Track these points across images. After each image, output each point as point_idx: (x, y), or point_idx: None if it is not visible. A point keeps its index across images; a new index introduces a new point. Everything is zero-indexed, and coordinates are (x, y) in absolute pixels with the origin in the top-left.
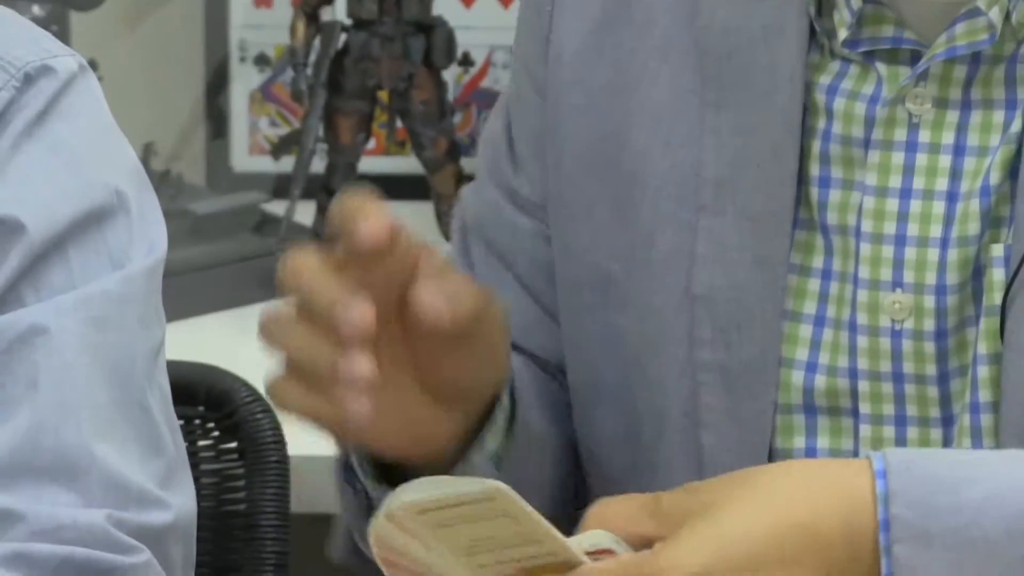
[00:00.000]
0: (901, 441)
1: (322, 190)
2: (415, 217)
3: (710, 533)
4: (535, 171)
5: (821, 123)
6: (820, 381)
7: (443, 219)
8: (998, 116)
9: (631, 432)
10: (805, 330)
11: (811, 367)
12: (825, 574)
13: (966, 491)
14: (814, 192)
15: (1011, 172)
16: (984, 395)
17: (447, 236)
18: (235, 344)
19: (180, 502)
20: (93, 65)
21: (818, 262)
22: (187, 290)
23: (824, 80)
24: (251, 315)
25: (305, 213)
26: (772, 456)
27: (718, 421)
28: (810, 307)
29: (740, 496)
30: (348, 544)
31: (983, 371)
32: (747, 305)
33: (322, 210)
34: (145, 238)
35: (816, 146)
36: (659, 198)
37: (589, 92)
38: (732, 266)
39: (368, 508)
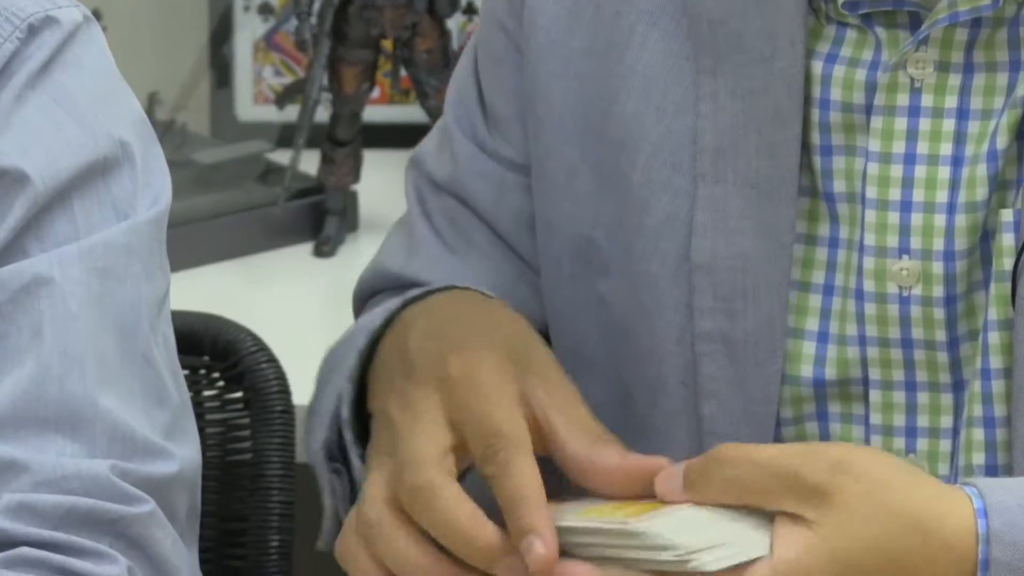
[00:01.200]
0: (912, 407)
1: (326, 139)
2: None
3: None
4: (516, 133)
5: (819, 92)
6: (831, 351)
7: None
8: (1001, 79)
9: (622, 399)
10: (815, 300)
11: (822, 337)
12: None
13: None
14: (816, 160)
15: (1019, 135)
16: (995, 361)
17: None
18: (240, 294)
19: (185, 453)
20: (97, 15)
21: (824, 230)
22: (192, 240)
23: (822, 48)
24: (256, 264)
25: (309, 162)
26: (779, 426)
27: (721, 391)
28: (818, 276)
29: (867, 515)
30: (338, 533)
31: (994, 337)
32: (752, 274)
33: (327, 160)
34: (150, 189)
35: (815, 115)
36: (652, 164)
37: (568, 58)
38: (735, 235)
39: (354, 491)
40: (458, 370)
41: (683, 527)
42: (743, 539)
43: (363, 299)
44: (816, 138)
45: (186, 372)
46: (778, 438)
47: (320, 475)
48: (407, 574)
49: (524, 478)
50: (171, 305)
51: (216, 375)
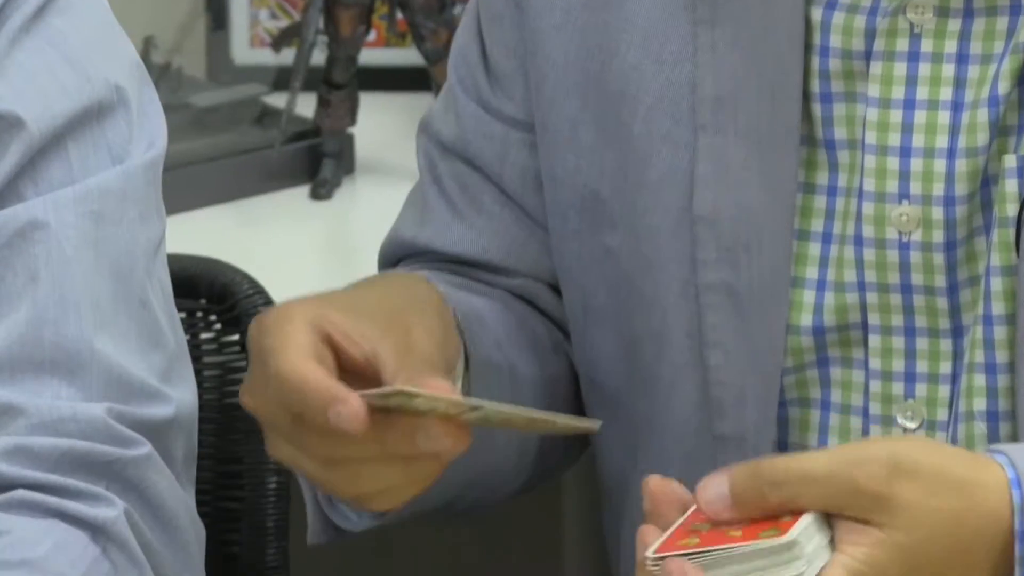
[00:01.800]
0: (911, 352)
1: (323, 82)
2: (416, 109)
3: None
4: (519, 90)
5: (818, 39)
6: (829, 298)
7: None
8: (1001, 23)
9: (629, 352)
10: (814, 248)
11: (821, 285)
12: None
13: None
14: (816, 108)
15: (1020, 80)
16: (997, 307)
17: None
18: (236, 237)
19: (181, 395)
20: None
21: (823, 179)
22: (188, 183)
23: None
24: (252, 207)
25: (306, 105)
26: (781, 375)
27: (726, 341)
28: (817, 225)
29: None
30: (324, 522)
31: (996, 283)
32: (755, 225)
33: (323, 102)
34: (145, 133)
35: (815, 63)
36: (653, 117)
37: (567, 10)
38: (737, 186)
39: None
40: (269, 343)
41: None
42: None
43: (386, 266)
44: (816, 86)
45: (183, 315)
46: (779, 387)
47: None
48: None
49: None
50: (168, 248)
51: (213, 318)
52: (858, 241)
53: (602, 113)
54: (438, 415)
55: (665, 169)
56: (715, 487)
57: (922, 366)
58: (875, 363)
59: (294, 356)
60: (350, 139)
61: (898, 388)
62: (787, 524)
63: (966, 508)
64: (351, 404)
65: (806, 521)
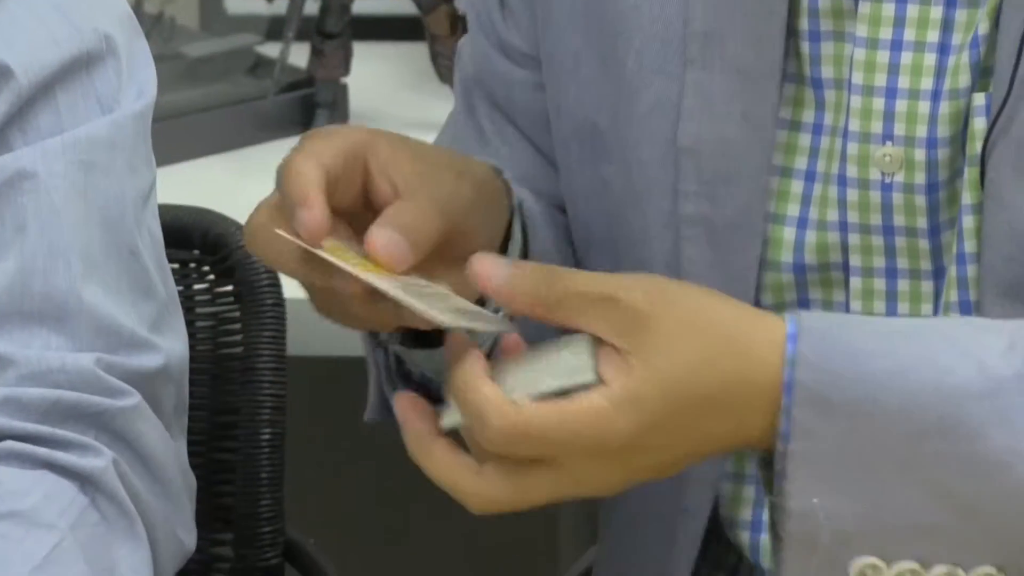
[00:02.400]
0: (892, 294)
1: (316, 32)
2: (410, 58)
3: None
4: (525, 20)
5: None
6: (810, 236)
7: (437, 60)
8: None
9: None
10: (796, 186)
11: (801, 223)
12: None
13: (870, 363)
14: (804, 46)
15: (997, 20)
16: (969, 246)
17: (441, 77)
18: (230, 187)
19: (170, 345)
20: None
21: (808, 116)
22: (181, 133)
23: None
24: (245, 158)
25: (299, 55)
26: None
27: (701, 274)
28: (800, 162)
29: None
30: (381, 404)
31: (967, 221)
32: (734, 159)
33: (316, 52)
34: (134, 83)
35: (804, 0)
36: (645, 51)
37: None
38: (719, 120)
39: (399, 368)
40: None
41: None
42: (567, 365)
43: None
44: (804, 23)
45: (176, 266)
46: None
47: (364, 347)
48: (284, 271)
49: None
50: (161, 199)
51: (206, 268)
52: (841, 181)
53: (602, 48)
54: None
55: (654, 102)
56: (498, 269)
57: (903, 308)
58: (856, 305)
59: (303, 156)
60: (344, 89)
61: None
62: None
63: (730, 351)
64: (315, 212)
65: (579, 337)
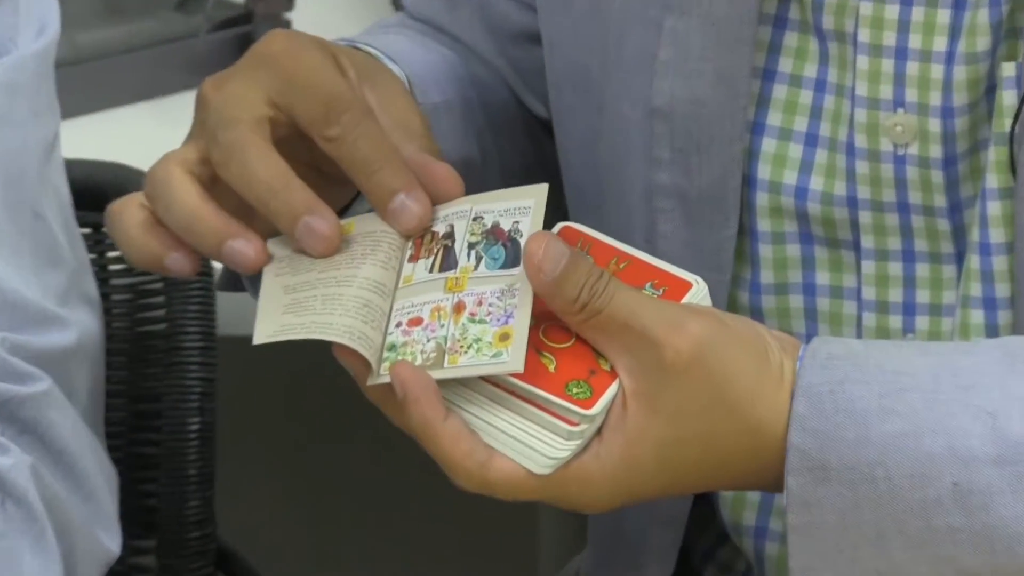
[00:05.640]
0: (910, 280)
1: None
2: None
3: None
4: None
5: None
6: (814, 209)
7: None
8: None
9: None
10: (795, 150)
11: (801, 192)
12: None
13: (879, 425)
14: None
15: None
16: (996, 235)
17: (397, 9)
18: (154, 139)
19: (82, 320)
20: None
21: (811, 71)
22: (100, 78)
23: None
24: (173, 106)
25: None
26: (760, 293)
27: (676, 253)
28: (800, 123)
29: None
30: (231, 276)
31: (994, 207)
32: (706, 124)
33: None
34: (33, 18)
35: None
36: None
37: None
38: (692, 77)
39: None
40: (281, 46)
41: None
42: (535, 438)
43: None
44: None
45: (88, 230)
46: (755, 313)
47: None
48: (187, 229)
49: (379, 139)
50: (75, 153)
51: None
52: (850, 151)
53: None
54: None
55: (634, 51)
56: (557, 250)
57: (923, 296)
58: (869, 292)
59: (266, 146)
60: (287, 26)
61: (895, 321)
62: (599, 381)
63: (736, 428)
64: (330, 220)
65: (611, 393)
